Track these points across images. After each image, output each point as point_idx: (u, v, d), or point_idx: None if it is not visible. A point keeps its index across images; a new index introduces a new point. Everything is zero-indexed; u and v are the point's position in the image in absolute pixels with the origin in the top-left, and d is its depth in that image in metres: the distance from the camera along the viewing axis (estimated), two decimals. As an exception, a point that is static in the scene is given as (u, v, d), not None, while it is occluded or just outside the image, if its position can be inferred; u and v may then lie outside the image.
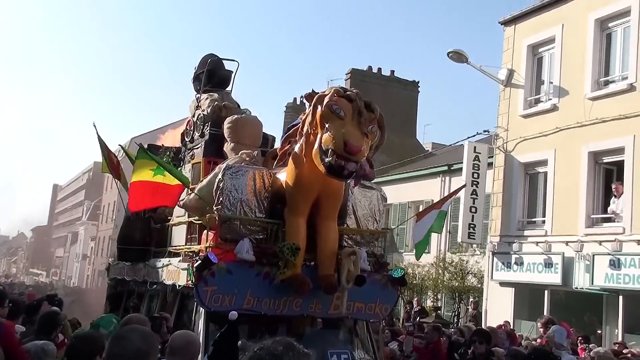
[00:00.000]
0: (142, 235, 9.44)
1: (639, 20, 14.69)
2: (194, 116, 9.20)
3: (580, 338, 11.76)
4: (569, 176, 15.50)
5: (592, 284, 14.46)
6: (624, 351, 10.75)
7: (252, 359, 2.70)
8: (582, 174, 15.25)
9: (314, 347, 7.13)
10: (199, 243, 7.44)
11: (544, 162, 16.49)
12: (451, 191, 9.39)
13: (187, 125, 9.41)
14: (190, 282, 6.78)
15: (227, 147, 8.22)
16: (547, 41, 17.19)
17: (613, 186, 14.51)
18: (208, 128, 8.62)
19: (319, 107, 6.34)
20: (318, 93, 6.55)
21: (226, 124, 8.31)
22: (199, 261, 6.60)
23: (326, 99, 6.28)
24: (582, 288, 14.72)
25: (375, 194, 7.87)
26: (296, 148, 7.02)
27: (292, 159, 7.07)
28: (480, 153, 18.27)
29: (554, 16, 16.89)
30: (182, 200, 7.61)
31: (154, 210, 9.63)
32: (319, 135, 6.32)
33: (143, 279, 8.92)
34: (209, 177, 7.56)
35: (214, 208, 7.09)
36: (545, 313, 14.47)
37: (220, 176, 7.11)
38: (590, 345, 11.06)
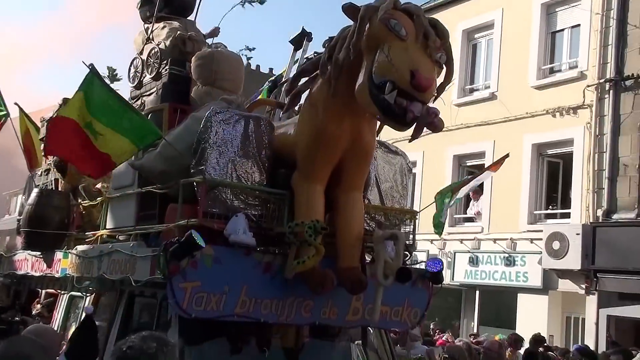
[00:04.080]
0: (60, 216, 7.21)
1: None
2: (141, 53, 7.08)
3: (437, 330, 13.70)
4: (437, 177, 16.56)
5: (453, 279, 16.23)
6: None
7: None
8: (447, 175, 16.89)
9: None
10: (163, 221, 5.42)
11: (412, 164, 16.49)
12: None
13: (131, 65, 7.25)
14: (159, 275, 4.76)
15: (197, 91, 6.24)
16: (484, 27, 17.50)
17: (471, 193, 15.09)
18: (167, 67, 6.55)
19: (368, 23, 4.55)
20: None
21: (196, 61, 6.32)
22: (176, 244, 4.61)
23: (380, 12, 4.50)
24: (444, 284, 14.44)
25: (400, 161, 6.17)
26: (315, 88, 5.20)
27: (308, 103, 5.24)
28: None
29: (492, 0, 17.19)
30: (138, 160, 5.55)
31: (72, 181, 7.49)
32: (364, 64, 4.54)
33: (64, 274, 6.72)
34: (178, 129, 5.57)
35: (192, 170, 5.12)
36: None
37: (202, 125, 5.14)
38: (445, 336, 12.95)
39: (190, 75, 6.36)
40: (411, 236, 6.02)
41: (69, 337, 5.85)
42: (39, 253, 7.43)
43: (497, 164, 7.39)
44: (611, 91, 14.07)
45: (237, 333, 5.45)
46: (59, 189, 7.76)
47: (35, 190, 7.51)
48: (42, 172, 8.60)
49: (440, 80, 4.69)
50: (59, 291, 7.28)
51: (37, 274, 7.53)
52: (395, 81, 4.28)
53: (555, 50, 16.09)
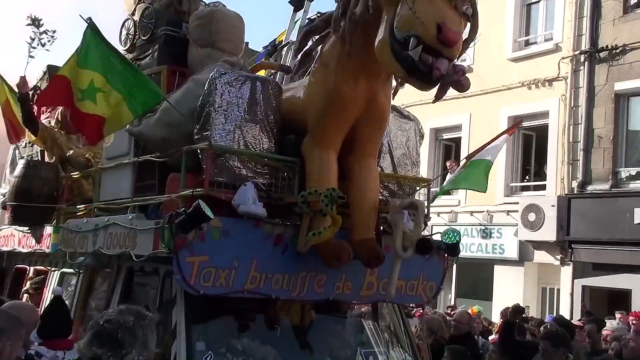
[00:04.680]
0: (49, 188, 6.82)
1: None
2: (133, 13, 6.66)
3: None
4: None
5: (430, 252, 16.38)
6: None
7: (99, 334, 2.73)
8: (423, 149, 16.66)
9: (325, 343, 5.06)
10: (163, 192, 5.08)
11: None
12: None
13: (122, 27, 6.82)
14: (164, 249, 4.44)
15: (195, 53, 5.85)
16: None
17: (448, 163, 14.75)
18: (162, 28, 6.14)
19: None
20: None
21: (194, 20, 5.93)
22: (182, 216, 4.27)
23: (402, -40, 4.14)
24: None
25: (413, 126, 5.85)
26: (327, 47, 4.86)
27: (319, 64, 4.91)
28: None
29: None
30: (136, 127, 5.19)
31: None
32: (385, 18, 4.20)
33: (56, 249, 6.36)
34: (178, 93, 5.21)
35: (196, 136, 4.78)
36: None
37: (206, 88, 4.78)
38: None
39: (188, 37, 5.96)
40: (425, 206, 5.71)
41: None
42: (27, 228, 7.06)
43: (512, 128, 7.12)
44: (586, 63, 14.14)
45: (243, 310, 5.17)
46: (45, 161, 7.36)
47: (21, 162, 7.11)
48: (26, 143, 8.17)
49: (464, 35, 4.37)
50: (48, 268, 6.92)
51: (25, 250, 7.15)
52: (420, 36, 3.95)
53: (530, 22, 16.00)
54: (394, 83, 4.96)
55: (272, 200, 4.79)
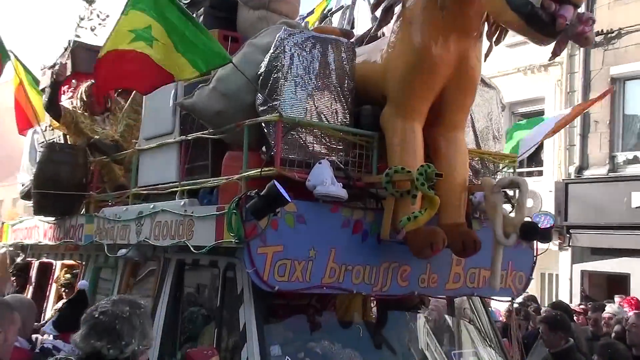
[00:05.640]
0: (78, 174, 6.19)
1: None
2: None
3: None
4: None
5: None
6: None
7: (96, 327, 2.72)
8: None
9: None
10: (219, 174, 4.45)
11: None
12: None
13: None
14: (234, 239, 3.81)
15: (247, 17, 5.20)
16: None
17: None
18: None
19: None
20: None
21: (245, -21, 5.25)
22: (254, 199, 3.64)
23: None
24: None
25: (494, 96, 5.20)
26: (408, 3, 4.22)
27: (402, 21, 4.26)
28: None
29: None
30: (187, 99, 4.54)
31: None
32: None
33: (90, 241, 5.74)
34: (235, 58, 4.53)
35: (261, 107, 4.14)
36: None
37: (273, 51, 4.14)
38: None
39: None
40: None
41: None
42: (53, 219, 6.44)
43: (600, 98, 6.49)
44: (581, 47, 13.68)
45: (311, 307, 4.58)
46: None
47: (45, 146, 6.48)
48: (46, 127, 7.53)
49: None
50: (79, 262, 6.31)
51: (52, 243, 6.52)
52: None
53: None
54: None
55: (350, 181, 4.15)
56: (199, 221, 4.21)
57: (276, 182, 3.64)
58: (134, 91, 6.04)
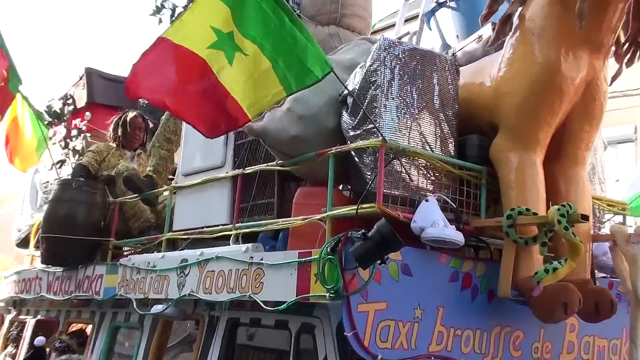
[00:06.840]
0: (97, 216, 5.37)
1: None
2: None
3: None
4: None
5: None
6: None
7: None
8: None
9: None
10: (284, 215, 3.68)
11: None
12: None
13: None
14: (329, 293, 3.01)
15: (314, 33, 4.46)
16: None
17: None
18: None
19: None
20: None
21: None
22: (362, 241, 2.87)
23: None
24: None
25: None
26: (531, 8, 3.58)
27: (521, 34, 3.59)
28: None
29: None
30: (257, 122, 3.78)
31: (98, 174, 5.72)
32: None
33: (111, 295, 4.86)
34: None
35: (352, 132, 3.42)
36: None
37: (369, 63, 3.44)
38: None
39: (299, 13, 4.65)
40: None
41: None
42: (62, 269, 5.55)
43: None
44: None
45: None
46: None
47: (58, 182, 5.65)
48: (51, 166, 6.69)
49: None
50: (91, 322, 5.42)
51: (59, 298, 5.60)
52: None
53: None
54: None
55: (461, 224, 3.40)
56: (271, 270, 3.41)
57: (386, 221, 2.89)
58: (166, 113, 5.29)
